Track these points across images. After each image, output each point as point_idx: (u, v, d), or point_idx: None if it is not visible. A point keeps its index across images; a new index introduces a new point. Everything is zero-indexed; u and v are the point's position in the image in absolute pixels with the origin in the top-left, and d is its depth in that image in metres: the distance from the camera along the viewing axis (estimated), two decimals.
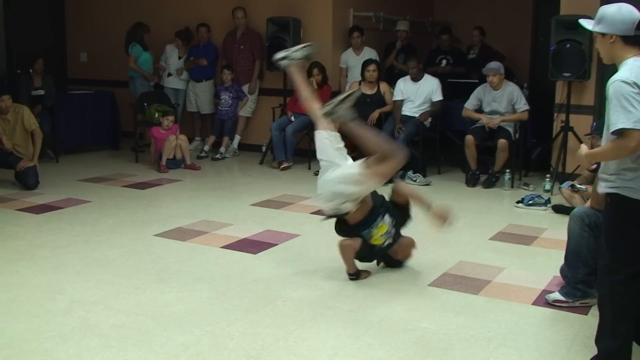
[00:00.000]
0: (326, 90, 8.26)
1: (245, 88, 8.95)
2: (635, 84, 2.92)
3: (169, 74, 9.32)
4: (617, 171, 3.03)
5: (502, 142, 6.99)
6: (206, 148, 8.97)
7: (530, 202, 6.26)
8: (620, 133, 2.90)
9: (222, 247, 5.04)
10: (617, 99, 2.92)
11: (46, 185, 6.98)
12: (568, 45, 6.88)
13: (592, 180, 6.09)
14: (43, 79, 8.64)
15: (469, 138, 7.11)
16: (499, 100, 7.20)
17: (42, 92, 8.56)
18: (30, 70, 8.57)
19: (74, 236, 5.29)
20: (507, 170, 7.06)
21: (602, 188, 3.12)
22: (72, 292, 4.13)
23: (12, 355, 3.28)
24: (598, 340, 3.21)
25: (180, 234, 5.36)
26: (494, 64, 7.19)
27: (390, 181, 5.04)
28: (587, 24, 3.23)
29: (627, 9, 3.07)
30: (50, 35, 10.57)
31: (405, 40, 9.05)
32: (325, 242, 5.20)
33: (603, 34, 3.11)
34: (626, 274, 3.04)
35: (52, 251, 4.91)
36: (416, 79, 7.70)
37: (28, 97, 8.33)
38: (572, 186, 5.97)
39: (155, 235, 5.33)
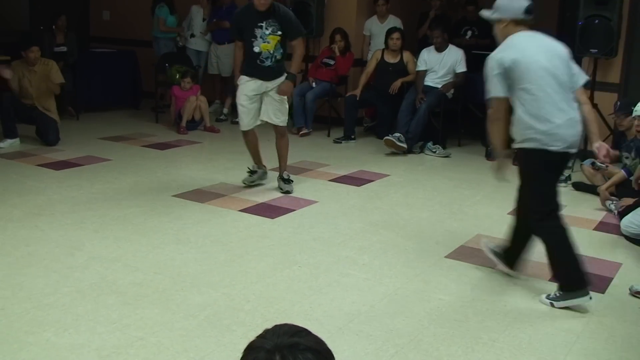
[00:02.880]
0: (348, 57, 8.21)
1: None
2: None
3: (192, 35, 9.26)
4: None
5: None
6: (225, 110, 8.95)
7: None
8: None
9: (240, 211, 5.06)
10: None
11: (66, 142, 7.01)
12: (596, 21, 6.77)
13: (615, 159, 6.02)
14: (66, 35, 8.63)
15: None
16: None
17: (64, 48, 8.56)
18: (54, 26, 8.56)
19: (93, 193, 5.32)
20: None
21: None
22: (91, 248, 4.17)
23: (30, 309, 3.32)
24: (556, 277, 3.75)
25: (199, 195, 5.38)
26: None
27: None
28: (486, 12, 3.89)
29: None
30: None
31: (440, 10, 8.93)
32: (343, 209, 5.22)
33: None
34: (544, 212, 3.64)
35: (71, 207, 4.95)
36: (440, 49, 7.60)
37: (51, 54, 8.33)
38: (593, 163, 5.91)
39: (174, 195, 5.35)
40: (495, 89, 3.70)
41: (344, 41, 8.10)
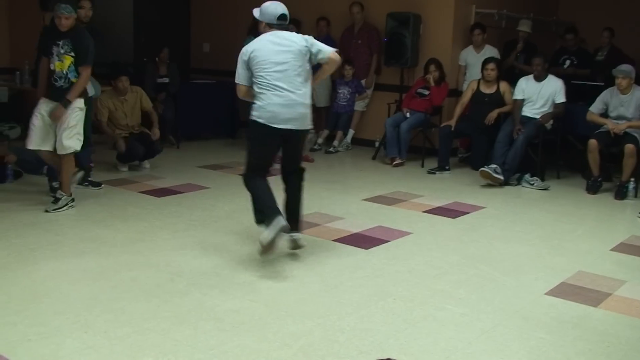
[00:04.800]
0: (443, 88, 8.16)
1: (363, 82, 8.96)
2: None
3: None
4: None
5: (629, 147, 6.65)
6: (319, 141, 9.05)
7: None
8: None
9: (334, 240, 5.07)
10: None
11: (167, 170, 7.25)
12: None
13: None
14: (168, 67, 8.95)
15: (593, 142, 6.83)
16: (627, 105, 6.87)
17: (166, 79, 8.88)
18: (157, 59, 8.90)
19: (192, 220, 5.46)
20: (632, 179, 6.73)
21: None
22: (190, 275, 4.27)
23: (131, 333, 3.42)
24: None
25: None
26: (625, 67, 6.87)
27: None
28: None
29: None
30: (175, 26, 10.94)
31: (526, 40, 8.81)
32: (438, 241, 5.15)
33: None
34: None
35: (172, 234, 5.10)
36: (539, 78, 7.45)
37: (154, 84, 8.67)
38: None
39: None
40: (237, 75, 4.68)
41: (438, 71, 8.07)
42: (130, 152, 7.17)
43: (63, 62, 5.47)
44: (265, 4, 4.63)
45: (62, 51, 5.46)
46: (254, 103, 4.55)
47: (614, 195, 6.76)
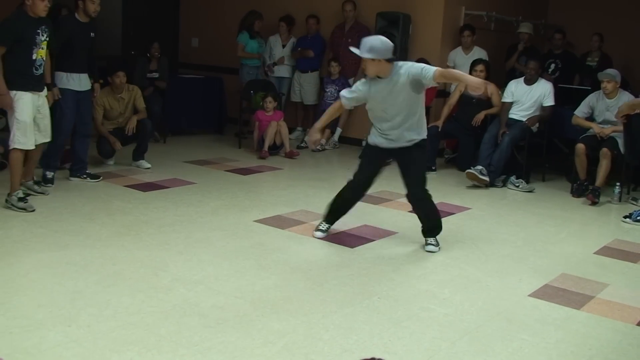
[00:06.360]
0: (431, 88, 8.10)
1: (351, 82, 8.96)
2: None
3: (275, 64, 9.43)
4: None
5: (603, 150, 6.68)
6: (306, 138, 9.04)
7: (639, 218, 5.99)
8: None
9: (320, 239, 5.07)
10: None
11: (153, 164, 7.20)
12: None
13: None
14: (159, 62, 8.89)
15: (580, 146, 6.87)
16: (613, 110, 6.91)
17: (156, 74, 8.82)
18: (148, 54, 8.83)
19: (178, 215, 5.45)
20: (618, 183, 6.78)
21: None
22: (175, 270, 4.26)
23: (115, 327, 3.40)
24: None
25: (279, 221, 5.43)
26: (611, 70, 6.93)
27: None
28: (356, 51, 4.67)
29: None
30: (164, 20, 10.89)
31: (529, 42, 8.86)
32: (422, 241, 5.16)
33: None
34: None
35: (157, 229, 5.08)
36: (530, 81, 7.48)
37: (144, 79, 8.61)
38: None
39: (255, 221, 5.42)
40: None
41: None
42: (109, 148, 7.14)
43: (43, 49, 5.40)
44: (379, 41, 4.67)
45: (42, 38, 5.37)
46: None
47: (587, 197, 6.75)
